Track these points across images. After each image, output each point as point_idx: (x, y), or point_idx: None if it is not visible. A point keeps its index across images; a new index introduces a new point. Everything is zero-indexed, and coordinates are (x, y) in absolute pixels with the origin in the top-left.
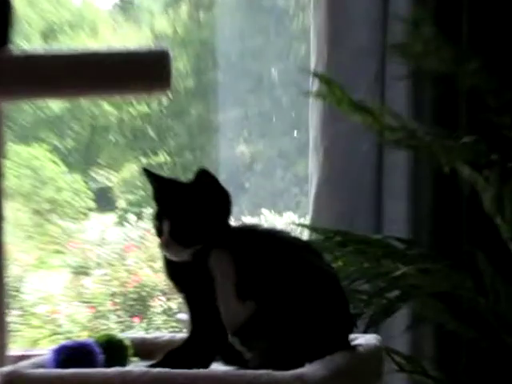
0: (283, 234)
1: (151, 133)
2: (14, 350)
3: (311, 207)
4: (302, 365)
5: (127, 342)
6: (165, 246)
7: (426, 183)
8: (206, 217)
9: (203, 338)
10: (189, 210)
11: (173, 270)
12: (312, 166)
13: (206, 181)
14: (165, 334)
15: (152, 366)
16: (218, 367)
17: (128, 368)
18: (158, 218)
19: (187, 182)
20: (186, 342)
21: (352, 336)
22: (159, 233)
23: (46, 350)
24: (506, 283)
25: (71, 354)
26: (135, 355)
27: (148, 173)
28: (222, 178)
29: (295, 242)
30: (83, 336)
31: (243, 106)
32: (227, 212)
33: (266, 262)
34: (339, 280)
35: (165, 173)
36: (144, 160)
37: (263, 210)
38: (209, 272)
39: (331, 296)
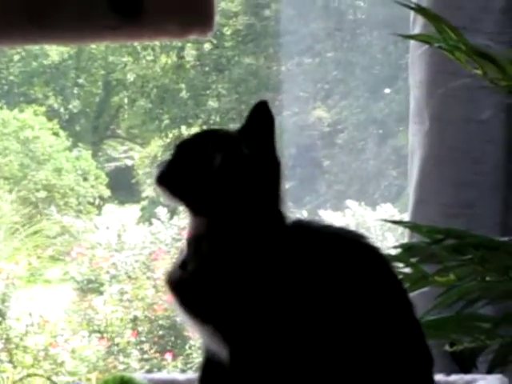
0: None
1: (183, 92)
2: None
3: (412, 196)
4: None
5: None
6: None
7: None
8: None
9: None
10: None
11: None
12: (413, 140)
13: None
14: None
15: None
16: None
17: None
18: None
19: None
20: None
21: (470, 377)
22: None
23: None
24: None
25: None
26: None
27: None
28: (291, 153)
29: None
30: (92, 379)
31: (316, 53)
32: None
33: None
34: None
35: None
36: (181, 130)
37: (349, 202)
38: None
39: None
